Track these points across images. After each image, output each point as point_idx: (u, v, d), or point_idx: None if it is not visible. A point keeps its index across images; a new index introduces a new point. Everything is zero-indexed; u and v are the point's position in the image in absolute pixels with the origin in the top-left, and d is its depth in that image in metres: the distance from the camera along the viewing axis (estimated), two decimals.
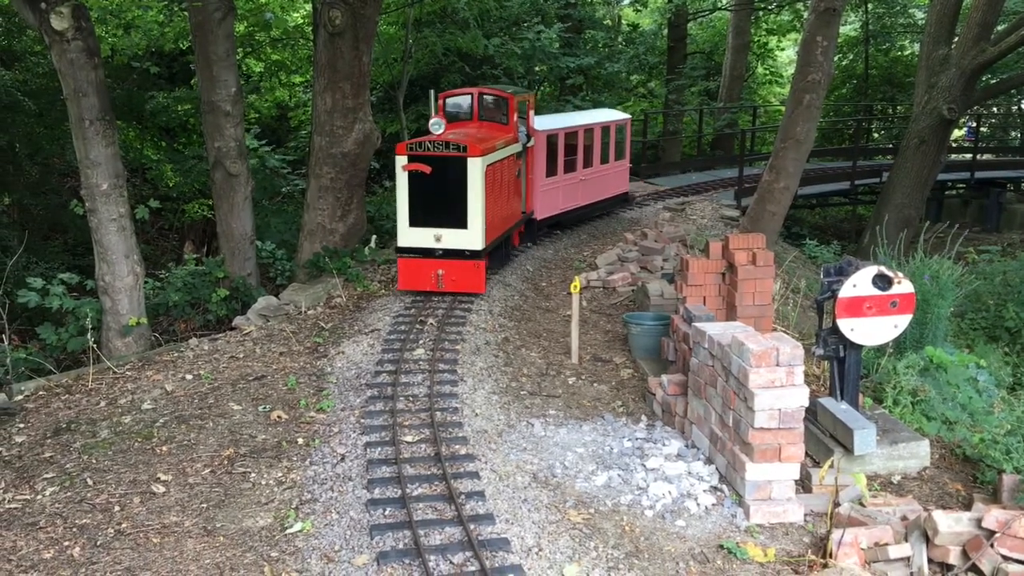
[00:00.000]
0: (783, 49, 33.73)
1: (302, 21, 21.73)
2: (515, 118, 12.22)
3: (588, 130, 14.97)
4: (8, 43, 17.39)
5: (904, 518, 5.70)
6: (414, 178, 10.20)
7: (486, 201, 10.38)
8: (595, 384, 8.52)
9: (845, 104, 31.43)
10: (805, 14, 20.61)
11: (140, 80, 18.94)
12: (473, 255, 10.34)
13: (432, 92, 11.70)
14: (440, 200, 10.24)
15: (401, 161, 10.21)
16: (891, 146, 25.56)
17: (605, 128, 15.51)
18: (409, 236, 10.40)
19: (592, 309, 10.98)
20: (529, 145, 12.91)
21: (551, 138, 13.83)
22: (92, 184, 9.87)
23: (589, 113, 16.99)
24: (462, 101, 12.72)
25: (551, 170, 13.89)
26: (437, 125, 10.30)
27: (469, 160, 10.11)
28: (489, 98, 12.52)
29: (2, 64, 16.84)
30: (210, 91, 11.97)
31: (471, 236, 10.30)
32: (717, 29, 31.84)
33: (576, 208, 14.84)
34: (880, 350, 7.96)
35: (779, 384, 5.76)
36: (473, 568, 5.20)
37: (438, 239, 10.30)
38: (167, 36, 17.60)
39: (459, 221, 10.26)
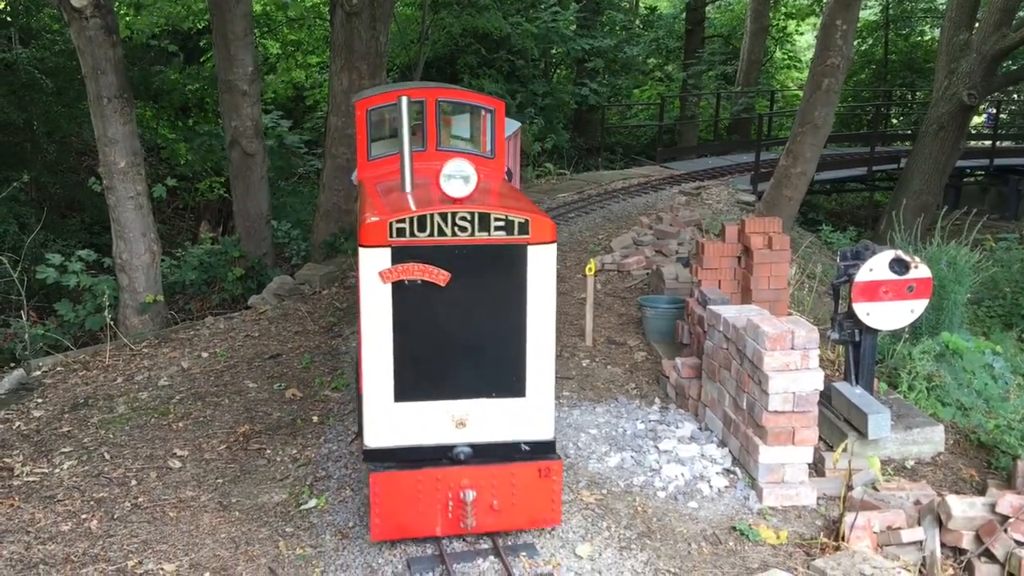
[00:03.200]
0: (802, 33, 33.44)
1: (319, 1, 21.70)
2: (503, 143, 7.06)
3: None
4: (26, 21, 17.43)
5: (917, 502, 5.70)
6: (406, 298, 4.97)
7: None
8: (609, 366, 8.53)
9: (864, 89, 31.16)
10: None
11: (157, 59, 18.99)
12: (536, 451, 5.25)
13: (403, 102, 5.37)
14: (468, 340, 5.11)
15: (375, 260, 4.90)
16: (909, 132, 25.37)
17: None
18: (393, 425, 5.12)
19: (606, 292, 10.98)
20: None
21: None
22: (110, 162, 9.91)
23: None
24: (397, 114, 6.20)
25: None
26: (460, 173, 4.92)
27: (532, 250, 5.02)
28: (455, 107, 7.33)
29: (20, 42, 16.88)
30: (227, 70, 11.99)
31: (531, 411, 5.20)
32: (736, 13, 31.59)
33: None
34: (895, 335, 7.93)
35: (794, 367, 5.75)
36: (486, 546, 5.24)
37: (461, 424, 5.15)
38: (182, 15, 17.62)
39: (507, 381, 5.17)
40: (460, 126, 7.48)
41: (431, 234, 4.84)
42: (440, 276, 4.90)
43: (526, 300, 5.04)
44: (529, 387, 5.16)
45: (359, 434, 6.02)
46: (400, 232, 4.83)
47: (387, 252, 4.85)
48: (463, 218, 4.86)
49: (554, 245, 5.05)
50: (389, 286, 4.90)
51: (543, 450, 5.24)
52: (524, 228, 4.93)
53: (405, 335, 4.99)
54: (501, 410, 5.17)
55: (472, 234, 4.87)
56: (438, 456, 5.15)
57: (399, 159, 5.48)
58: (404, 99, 5.31)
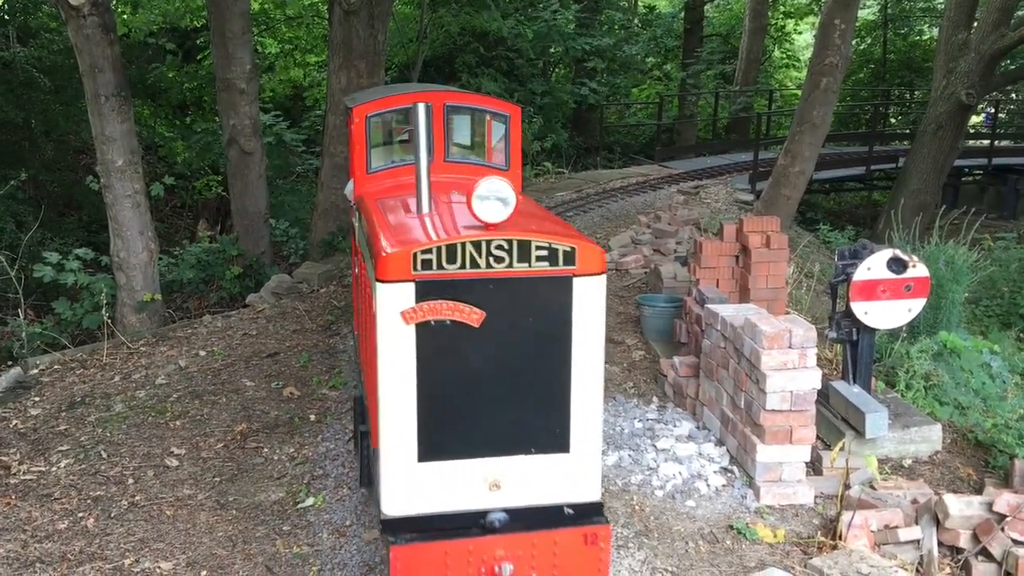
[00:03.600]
0: (800, 32, 33.45)
1: None
2: (519, 153, 6.51)
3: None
4: (24, 20, 17.42)
5: (915, 501, 5.70)
6: (433, 340, 4.24)
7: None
8: (607, 365, 8.53)
9: (862, 89, 31.18)
10: None
11: (155, 57, 18.98)
12: (581, 514, 4.53)
13: (420, 110, 4.57)
14: (503, 388, 4.39)
15: (396, 297, 4.16)
16: (908, 131, 25.38)
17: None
18: (417, 489, 4.38)
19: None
20: None
21: None
22: (107, 160, 9.89)
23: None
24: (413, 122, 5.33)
25: None
26: (496, 194, 4.19)
27: (579, 283, 4.31)
28: (469, 114, 6.53)
29: (18, 41, 16.86)
30: (225, 68, 11.98)
31: (576, 468, 4.48)
32: (734, 12, 31.60)
33: None
34: (893, 334, 7.93)
35: (791, 366, 5.75)
36: None
37: (495, 485, 4.42)
38: (179, 13, 17.61)
39: (549, 434, 4.44)
40: (467, 133, 6.66)
41: (462, 266, 4.08)
42: (473, 315, 4.13)
43: (571, 340, 4.29)
44: (573, 441, 4.40)
45: (361, 482, 5.56)
46: (426, 264, 4.05)
47: (411, 288, 4.07)
48: (499, 247, 4.11)
49: (603, 277, 4.32)
50: (412, 327, 4.12)
51: (589, 513, 4.49)
52: (570, 257, 4.19)
53: (431, 384, 4.20)
54: (541, 468, 4.40)
55: (510, 265, 4.14)
56: (469, 524, 4.37)
57: (403, 172, 5.05)
58: (422, 106, 4.54)
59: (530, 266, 4.17)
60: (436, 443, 4.27)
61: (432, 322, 4.12)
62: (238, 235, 12.63)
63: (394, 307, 4.09)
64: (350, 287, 9.56)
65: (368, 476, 5.27)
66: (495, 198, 4.13)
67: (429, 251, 4.06)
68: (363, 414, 5.55)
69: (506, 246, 4.12)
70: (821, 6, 21.23)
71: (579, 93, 22.83)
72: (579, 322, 4.29)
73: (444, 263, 4.08)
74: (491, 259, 4.11)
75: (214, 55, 12.43)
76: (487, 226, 4.16)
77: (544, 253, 4.17)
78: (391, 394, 4.20)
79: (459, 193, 5.24)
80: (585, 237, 4.46)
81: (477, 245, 4.08)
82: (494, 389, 4.29)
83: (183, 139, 18.09)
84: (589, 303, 4.29)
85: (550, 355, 4.30)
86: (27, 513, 5.87)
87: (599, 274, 4.29)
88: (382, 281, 4.10)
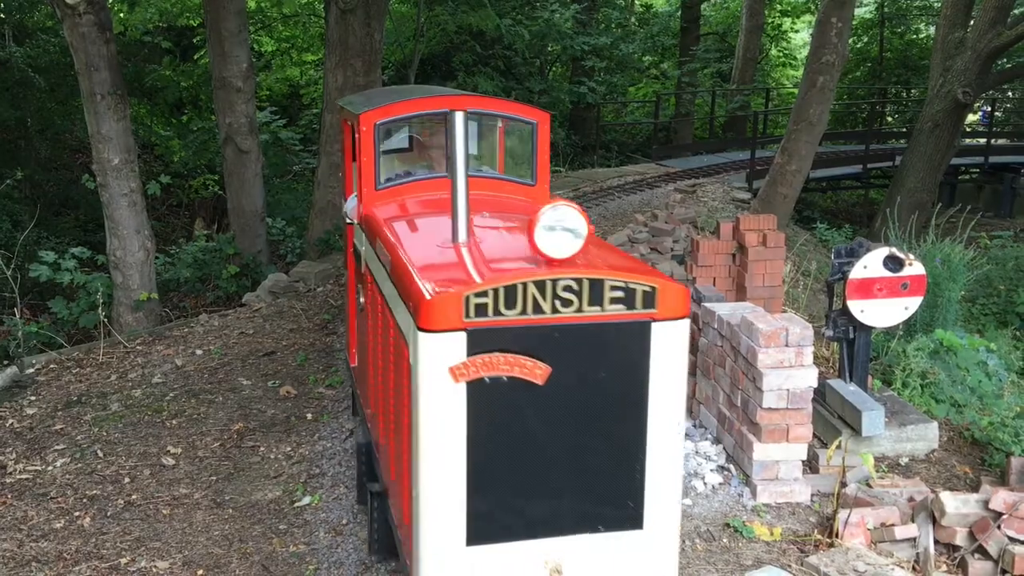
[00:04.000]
0: (797, 31, 33.48)
1: None
2: (546, 167, 5.77)
3: None
4: (20, 18, 17.40)
5: (911, 499, 5.70)
6: (487, 401, 3.48)
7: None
8: None
9: (859, 87, 31.21)
10: None
11: (150, 55, 18.96)
12: None
13: (458, 118, 3.94)
14: (567, 455, 3.64)
15: (443, 350, 3.41)
16: (905, 130, 25.40)
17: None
18: None
19: None
20: None
21: None
22: (103, 159, 9.88)
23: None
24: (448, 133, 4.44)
25: None
26: (565, 224, 3.49)
27: (659, 329, 3.64)
28: (492, 122, 5.97)
29: (13, 40, 16.84)
30: (221, 67, 11.97)
31: (650, 548, 3.77)
32: (731, 10, 31.61)
33: None
34: (890, 332, 7.94)
35: (788, 364, 5.75)
36: None
37: (556, 571, 3.68)
38: (176, 11, 17.59)
39: (619, 509, 3.71)
40: (491, 143, 6.02)
41: (523, 311, 3.38)
42: (537, 371, 3.42)
43: (647, 396, 3.59)
44: (648, 515, 3.68)
45: (371, 548, 4.89)
46: (480, 310, 3.34)
47: (461, 339, 3.35)
48: (568, 287, 3.41)
49: (687, 321, 3.67)
50: (463, 386, 3.38)
51: None
52: (650, 299, 3.51)
53: (484, 452, 3.46)
54: (610, 549, 3.67)
55: (579, 309, 3.44)
56: None
57: (418, 188, 4.41)
58: (460, 115, 3.90)
59: (603, 310, 3.48)
60: (488, 523, 3.54)
61: (487, 379, 3.41)
62: (235, 234, 12.62)
63: (440, 362, 3.38)
64: (346, 286, 9.54)
65: (385, 546, 4.66)
66: (563, 228, 3.44)
67: (484, 294, 3.34)
68: (371, 468, 4.91)
69: (575, 286, 3.43)
70: (818, 4, 21.26)
71: (576, 92, 22.83)
72: (657, 375, 3.61)
73: (502, 308, 3.37)
74: (557, 302, 3.43)
75: (210, 53, 12.42)
76: (550, 262, 3.48)
77: (620, 294, 3.48)
78: (434, 466, 3.45)
79: (492, 216, 4.74)
80: (664, 274, 3.82)
81: (541, 285, 3.39)
82: (557, 456, 3.57)
83: (179, 138, 18.09)
84: (670, 353, 3.62)
85: (623, 414, 3.61)
86: (23, 512, 5.87)
87: (682, 318, 3.63)
88: (425, 331, 3.36)
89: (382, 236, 4.66)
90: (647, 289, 3.50)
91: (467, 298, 3.33)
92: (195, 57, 19.15)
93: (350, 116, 5.89)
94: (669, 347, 3.61)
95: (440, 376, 3.37)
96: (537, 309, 3.40)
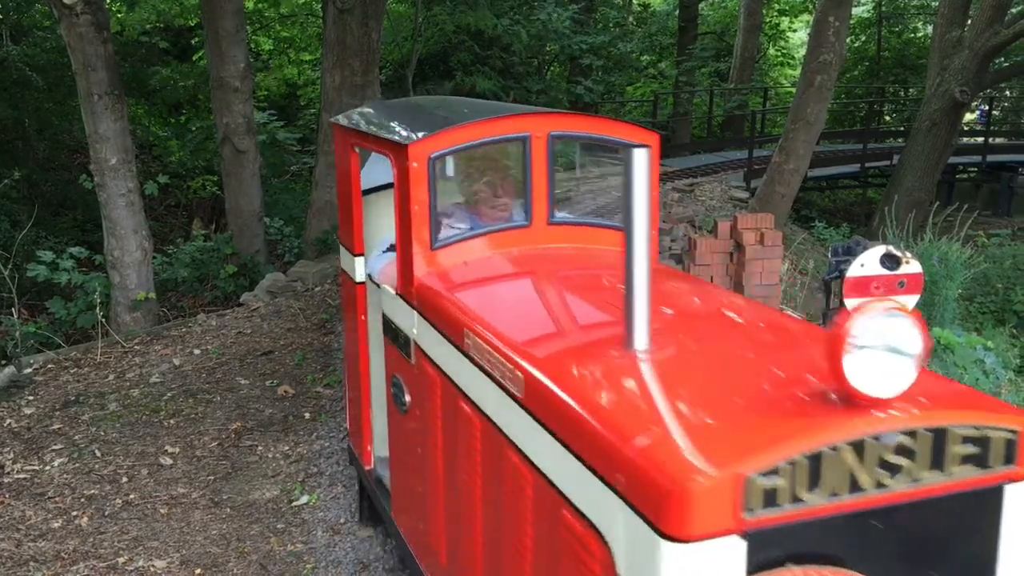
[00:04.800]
0: (795, 30, 33.51)
1: None
2: (657, 205, 4.93)
3: None
4: (17, 18, 17.38)
5: None
6: None
7: None
8: None
9: (857, 86, 31.24)
10: None
11: (148, 55, 18.95)
12: None
13: (638, 159, 2.57)
14: None
15: (706, 568, 1.99)
16: (902, 129, 25.42)
17: None
18: None
19: None
20: None
21: None
22: (101, 159, 9.87)
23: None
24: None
25: None
26: (901, 347, 2.08)
27: (1013, 493, 2.28)
28: (592, 149, 4.46)
29: (11, 39, 16.83)
30: (219, 67, 11.96)
31: None
32: (729, 10, 31.63)
33: None
34: None
35: None
36: None
37: None
38: (174, 11, 17.60)
39: None
40: (583, 175, 4.48)
41: (834, 493, 2.13)
42: None
43: None
44: None
45: None
46: (769, 498, 2.06)
47: (740, 549, 2.05)
48: (900, 446, 2.18)
49: None
50: None
51: None
52: (1010, 451, 2.28)
53: None
54: None
55: (915, 479, 2.21)
56: None
57: (484, 244, 3.25)
58: (642, 152, 2.62)
59: (947, 475, 2.25)
60: None
61: None
62: (233, 234, 12.62)
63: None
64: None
65: None
66: (887, 348, 2.11)
67: (774, 472, 2.06)
68: None
69: (909, 443, 2.19)
70: (816, 4, 21.28)
71: (574, 91, 22.83)
72: (1008, 561, 2.36)
73: (801, 491, 2.09)
74: (881, 471, 2.17)
75: (208, 53, 12.41)
76: (864, 401, 2.17)
77: (971, 448, 2.25)
78: None
79: (612, 286, 3.30)
80: (1013, 406, 2.54)
81: (859, 448, 2.14)
82: None
83: (177, 138, 18.08)
84: None
85: None
86: (21, 512, 5.86)
87: None
88: (676, 540, 2.01)
89: (439, 314, 3.47)
90: (1009, 436, 2.27)
91: (749, 481, 2.03)
92: (193, 57, 19.14)
93: (373, 141, 4.33)
94: None
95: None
96: (854, 487, 2.15)
